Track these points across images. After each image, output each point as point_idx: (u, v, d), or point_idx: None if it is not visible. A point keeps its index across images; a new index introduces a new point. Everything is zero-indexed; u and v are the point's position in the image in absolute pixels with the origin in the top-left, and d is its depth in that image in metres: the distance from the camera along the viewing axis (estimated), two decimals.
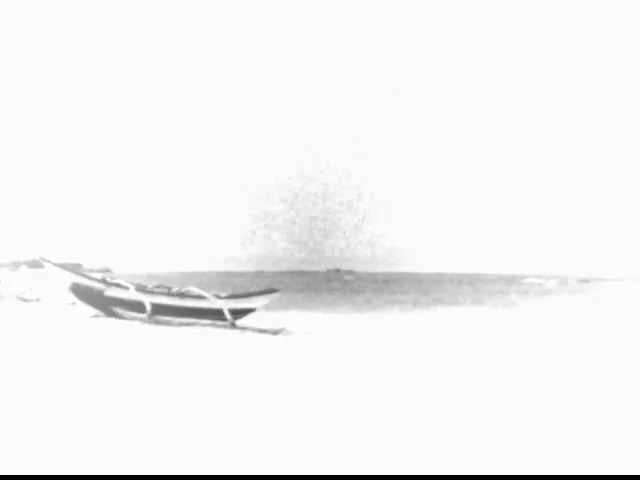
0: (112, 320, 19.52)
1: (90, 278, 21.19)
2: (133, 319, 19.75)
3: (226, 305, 20.06)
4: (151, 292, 20.26)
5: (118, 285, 20.49)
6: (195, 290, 20.58)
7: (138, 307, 19.97)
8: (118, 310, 20.16)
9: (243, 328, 19.34)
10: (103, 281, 20.87)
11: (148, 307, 19.85)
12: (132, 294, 20.06)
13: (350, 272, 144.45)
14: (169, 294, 20.30)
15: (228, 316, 19.87)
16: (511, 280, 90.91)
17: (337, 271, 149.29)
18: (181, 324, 19.53)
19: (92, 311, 20.45)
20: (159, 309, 20.00)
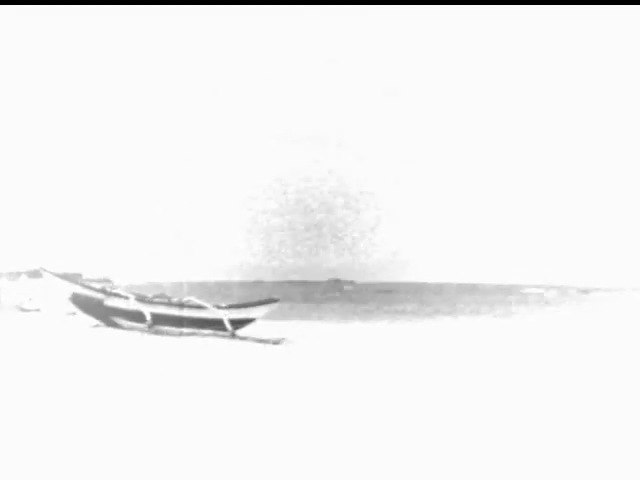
0: (112, 330, 19.51)
1: (90, 288, 21.17)
2: (133, 329, 19.73)
3: (226, 315, 20.04)
4: (151, 302, 20.25)
5: (118, 295, 20.48)
6: (195, 300, 20.55)
7: (138, 317, 19.96)
8: (118, 320, 20.15)
9: (243, 338, 19.31)
10: (103, 291, 20.86)
11: (148, 317, 19.85)
12: (132, 304, 20.06)
13: (350, 282, 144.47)
14: (169, 304, 20.28)
15: (228, 326, 19.86)
16: (510, 290, 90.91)
17: (337, 281, 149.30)
18: (181, 334, 19.50)
19: (92, 321, 20.44)
20: (159, 319, 19.99)
